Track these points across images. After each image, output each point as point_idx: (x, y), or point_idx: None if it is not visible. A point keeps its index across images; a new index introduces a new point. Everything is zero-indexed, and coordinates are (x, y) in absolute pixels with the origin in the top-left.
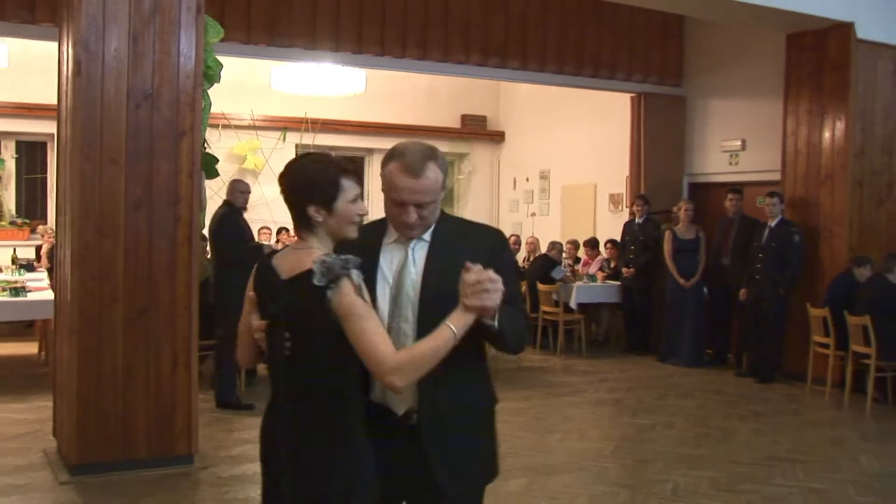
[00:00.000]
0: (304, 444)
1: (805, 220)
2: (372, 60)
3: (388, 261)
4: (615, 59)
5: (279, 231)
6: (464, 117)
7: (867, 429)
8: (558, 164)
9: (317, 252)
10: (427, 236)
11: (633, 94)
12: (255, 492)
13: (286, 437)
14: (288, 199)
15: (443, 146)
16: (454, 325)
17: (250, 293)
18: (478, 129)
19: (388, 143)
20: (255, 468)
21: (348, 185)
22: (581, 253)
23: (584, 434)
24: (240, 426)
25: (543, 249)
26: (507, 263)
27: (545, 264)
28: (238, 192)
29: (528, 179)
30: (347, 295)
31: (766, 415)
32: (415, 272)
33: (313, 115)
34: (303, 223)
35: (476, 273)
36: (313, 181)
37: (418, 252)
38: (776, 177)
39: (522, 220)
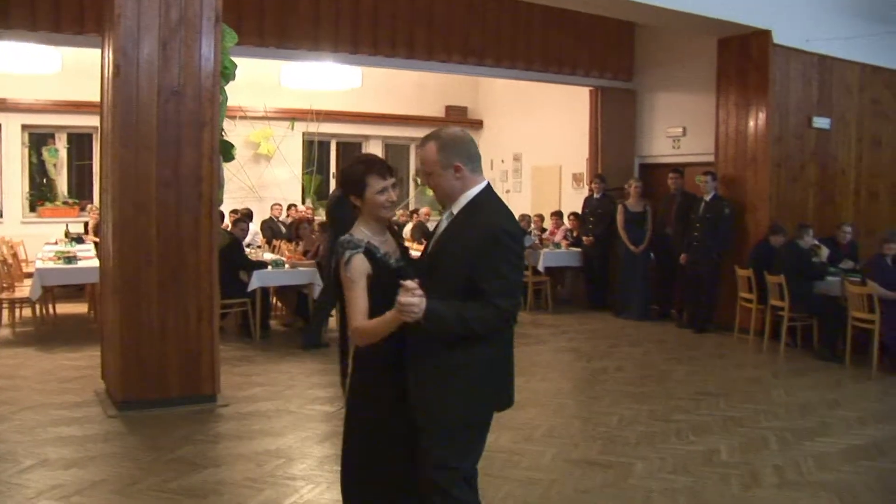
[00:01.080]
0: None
1: (734, 195)
2: (366, 59)
3: (440, 227)
4: (576, 58)
5: (289, 207)
6: (447, 108)
7: (779, 368)
8: (529, 148)
9: (353, 232)
10: (456, 211)
11: (591, 88)
12: (269, 424)
13: None
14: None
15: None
16: (389, 316)
17: None
18: (460, 118)
19: (381, 131)
20: (269, 405)
21: (373, 181)
22: (547, 223)
23: (545, 376)
24: (255, 372)
25: None
26: (490, 262)
27: None
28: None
29: (503, 161)
30: (338, 269)
31: (699, 359)
32: (434, 239)
33: (317, 107)
34: (348, 218)
35: (402, 294)
36: (347, 179)
37: (443, 224)
38: (711, 159)
39: (500, 195)
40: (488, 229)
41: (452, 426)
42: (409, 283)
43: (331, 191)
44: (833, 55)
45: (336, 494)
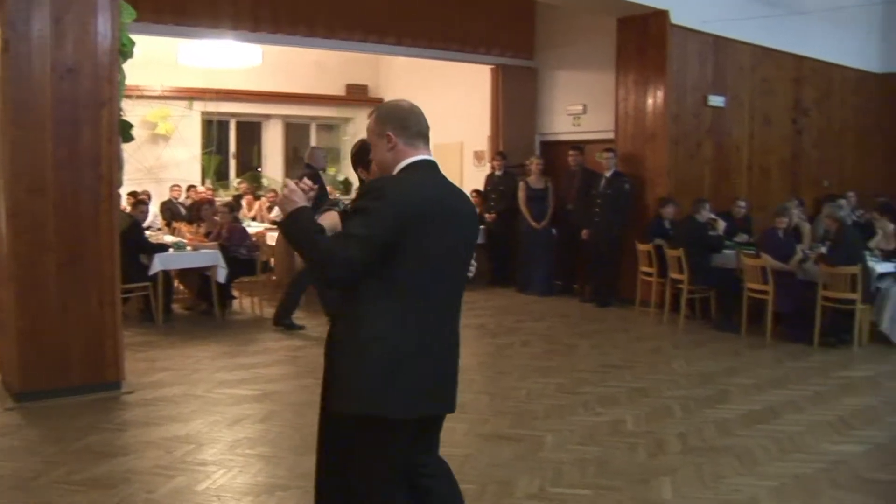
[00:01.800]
0: None
1: (634, 171)
2: (267, 37)
3: None
4: (478, 36)
5: (188, 188)
6: (348, 86)
7: (680, 339)
8: (430, 126)
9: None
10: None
11: (492, 66)
12: (176, 410)
13: None
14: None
15: (329, 112)
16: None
17: None
18: (360, 97)
19: (281, 110)
20: (176, 390)
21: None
22: None
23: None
24: (159, 357)
25: None
26: (356, 208)
27: None
28: (319, 158)
29: None
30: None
31: (602, 332)
32: None
33: (216, 86)
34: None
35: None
36: (359, 154)
37: None
38: (611, 136)
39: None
40: (369, 184)
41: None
42: (298, 181)
43: (231, 171)
44: (727, 36)
45: (249, 478)
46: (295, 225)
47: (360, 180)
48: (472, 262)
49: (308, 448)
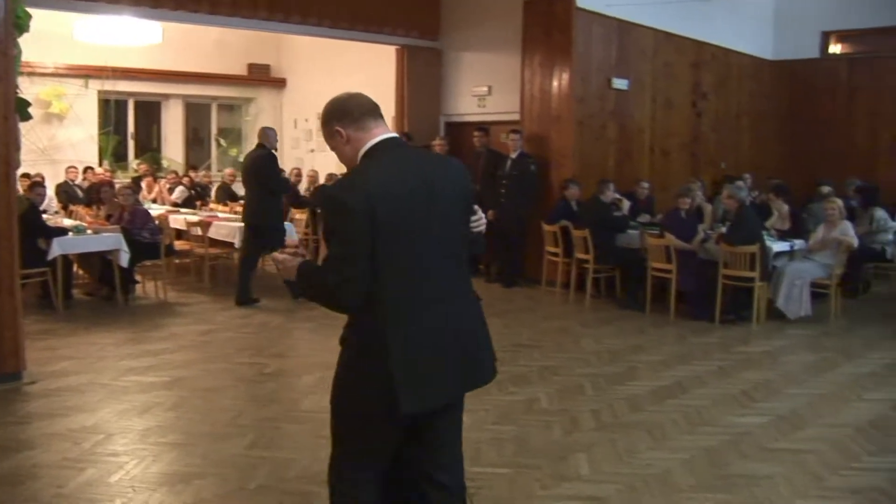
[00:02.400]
0: None
1: (539, 153)
2: (169, 14)
3: None
4: (383, 16)
5: (85, 170)
6: (250, 66)
7: (586, 318)
8: None
9: None
10: None
11: (398, 47)
12: (82, 399)
13: None
14: None
15: (231, 92)
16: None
17: None
18: (263, 77)
19: (182, 89)
20: (80, 379)
21: None
22: None
23: None
24: (60, 345)
25: (322, 181)
26: (331, 229)
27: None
28: (272, 137)
29: (307, 120)
30: None
31: (511, 312)
32: None
33: (114, 64)
34: None
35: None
36: None
37: None
38: (517, 117)
39: (303, 155)
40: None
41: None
42: (289, 243)
43: (130, 152)
44: (631, 20)
45: (164, 467)
46: (308, 283)
47: None
48: (479, 214)
49: (222, 434)
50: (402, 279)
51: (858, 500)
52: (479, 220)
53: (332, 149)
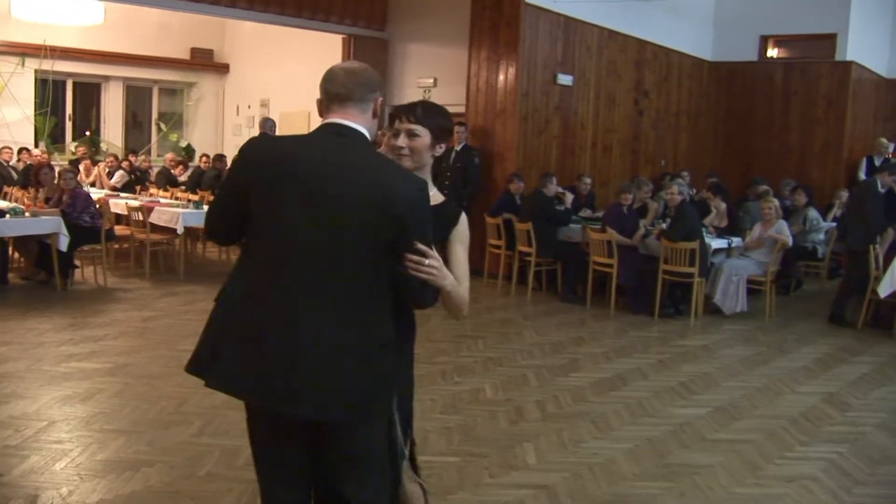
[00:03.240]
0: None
1: (483, 145)
2: None
3: None
4: (330, 4)
5: (20, 151)
6: (193, 50)
7: (528, 311)
8: (277, 94)
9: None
10: None
11: (344, 36)
12: (23, 386)
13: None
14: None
15: (172, 76)
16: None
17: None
18: (205, 61)
19: (123, 72)
20: (20, 365)
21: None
22: None
23: None
24: None
25: None
26: None
27: None
28: (269, 126)
29: (249, 107)
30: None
31: None
32: None
33: (52, 43)
34: None
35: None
36: None
37: None
38: (462, 110)
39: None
40: None
41: None
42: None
43: (67, 134)
44: (577, 17)
45: (110, 454)
46: None
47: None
48: (426, 259)
49: (168, 421)
50: (260, 257)
51: (793, 488)
52: (422, 264)
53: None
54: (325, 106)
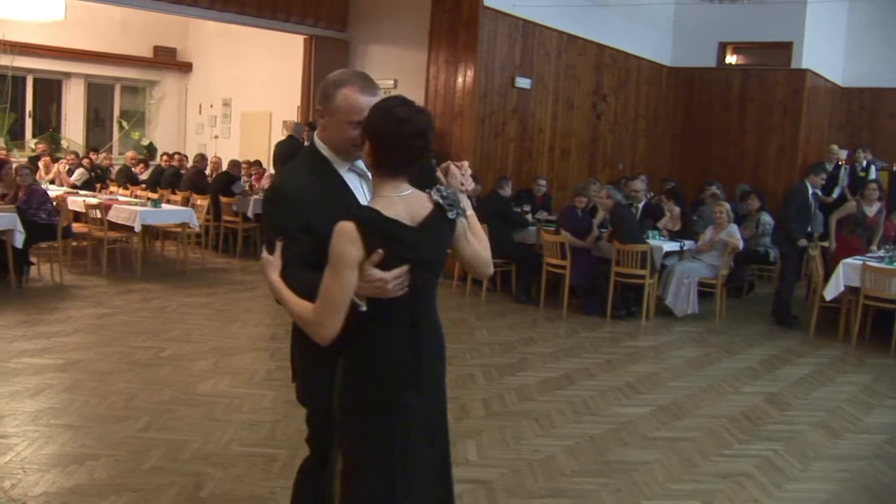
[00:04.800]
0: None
1: (441, 148)
2: None
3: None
4: (291, 4)
5: None
6: (156, 48)
7: (482, 311)
8: (239, 94)
9: (420, 193)
10: (362, 167)
11: (305, 36)
12: None
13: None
14: (426, 155)
15: (135, 74)
16: None
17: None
18: (168, 60)
19: (84, 69)
20: None
21: None
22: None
23: (260, 322)
24: None
25: (225, 167)
26: None
27: (226, 180)
28: (297, 131)
29: (212, 106)
30: (471, 214)
31: None
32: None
33: (12, 38)
34: (408, 172)
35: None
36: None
37: (367, 182)
38: None
39: (207, 141)
40: None
41: None
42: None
43: (27, 130)
44: (536, 21)
45: (56, 448)
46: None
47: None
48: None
49: (116, 416)
50: None
51: (727, 484)
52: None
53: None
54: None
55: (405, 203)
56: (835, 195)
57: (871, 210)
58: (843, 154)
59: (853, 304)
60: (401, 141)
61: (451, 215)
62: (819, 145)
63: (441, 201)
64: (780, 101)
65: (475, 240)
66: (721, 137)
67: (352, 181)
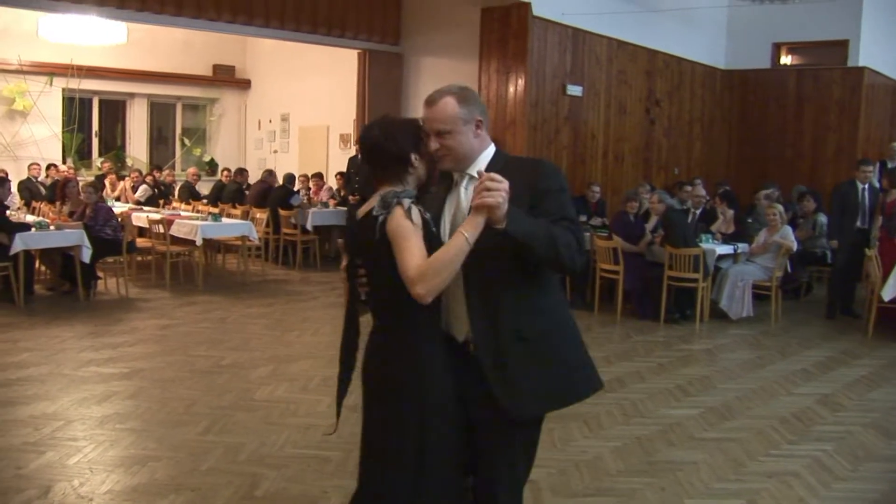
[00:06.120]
0: (380, 373)
1: None
2: (134, 15)
3: (450, 203)
4: (345, 20)
5: (48, 167)
6: (215, 67)
7: None
8: (297, 109)
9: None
10: (475, 173)
11: (359, 51)
12: (43, 388)
13: (368, 366)
14: (391, 153)
15: (195, 92)
16: (465, 231)
17: (339, 241)
18: (227, 78)
19: (147, 89)
20: (42, 370)
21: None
22: (311, 184)
23: (318, 330)
24: (21, 337)
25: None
26: (546, 189)
27: (284, 193)
28: None
29: (270, 121)
30: (396, 218)
31: None
32: (464, 208)
33: (79, 62)
34: (400, 174)
35: (486, 179)
36: (411, 132)
37: (469, 190)
38: None
39: (266, 156)
40: (537, 167)
41: (534, 422)
42: (482, 172)
43: (94, 150)
44: (585, 29)
45: (121, 451)
46: (523, 233)
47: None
48: None
49: (177, 421)
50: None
51: (773, 483)
52: None
53: (456, 135)
54: (487, 127)
55: (370, 200)
56: None
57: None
58: None
59: None
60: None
61: (375, 213)
62: (880, 143)
63: (377, 200)
64: (836, 100)
65: (397, 251)
66: (777, 139)
67: (451, 196)
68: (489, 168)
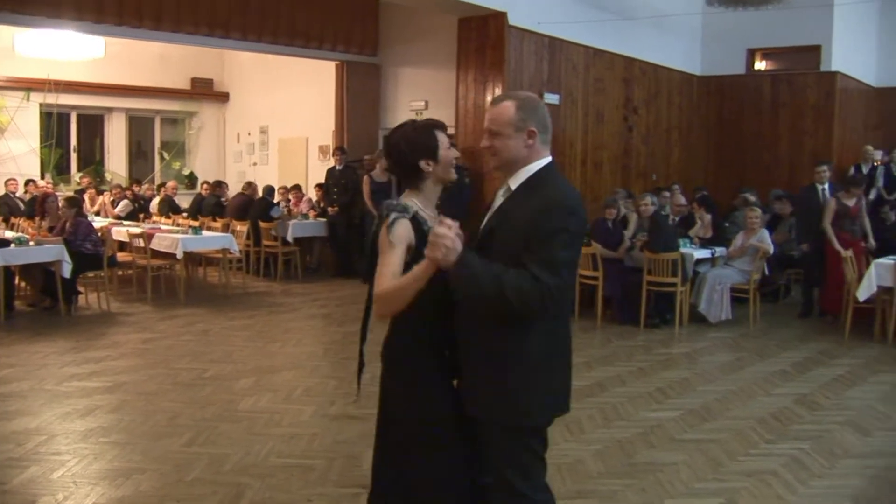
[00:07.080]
0: (385, 393)
1: (474, 166)
2: (112, 30)
3: (493, 205)
4: (322, 32)
5: (27, 183)
6: (193, 80)
7: None
8: (276, 121)
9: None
10: (514, 186)
11: (337, 62)
12: (25, 404)
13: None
14: (401, 162)
15: (174, 106)
16: (419, 269)
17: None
18: (205, 91)
19: (125, 103)
20: (23, 385)
21: (441, 137)
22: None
23: (300, 341)
24: (2, 354)
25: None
26: (540, 226)
27: (264, 205)
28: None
29: (249, 134)
30: (381, 233)
31: None
32: (488, 216)
33: (56, 77)
34: (413, 179)
35: (438, 226)
36: (419, 140)
37: (499, 199)
38: (452, 131)
39: (245, 168)
40: (545, 203)
41: (509, 428)
42: (448, 221)
43: (72, 165)
44: (562, 37)
45: (105, 464)
46: (469, 278)
47: (423, 173)
48: None
49: (161, 433)
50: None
51: (752, 482)
52: None
53: (505, 138)
54: (544, 143)
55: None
56: (872, 196)
57: (851, 201)
58: (879, 154)
59: (887, 303)
60: None
61: (384, 213)
62: (854, 147)
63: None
64: (811, 104)
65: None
66: (755, 144)
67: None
68: (517, 183)
